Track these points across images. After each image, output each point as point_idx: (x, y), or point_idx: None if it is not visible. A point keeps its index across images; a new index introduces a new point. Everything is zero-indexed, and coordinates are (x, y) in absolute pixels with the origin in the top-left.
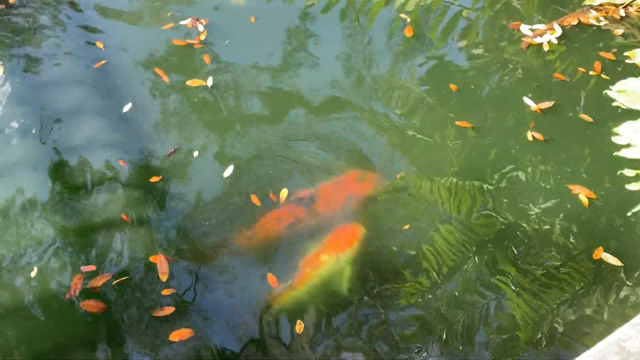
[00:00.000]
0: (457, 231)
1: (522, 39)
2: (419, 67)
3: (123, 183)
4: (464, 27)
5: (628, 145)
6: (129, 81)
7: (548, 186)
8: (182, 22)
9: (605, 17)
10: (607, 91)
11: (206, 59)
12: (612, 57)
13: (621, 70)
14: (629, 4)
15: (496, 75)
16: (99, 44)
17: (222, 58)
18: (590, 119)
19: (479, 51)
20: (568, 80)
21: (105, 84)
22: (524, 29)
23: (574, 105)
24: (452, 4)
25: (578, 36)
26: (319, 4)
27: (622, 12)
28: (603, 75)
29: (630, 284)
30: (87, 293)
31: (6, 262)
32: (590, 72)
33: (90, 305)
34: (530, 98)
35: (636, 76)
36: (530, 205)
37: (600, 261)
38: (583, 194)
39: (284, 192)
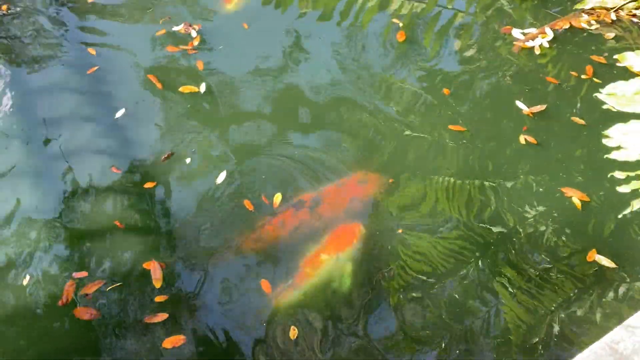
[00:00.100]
0: (457, 232)
1: (514, 43)
2: (410, 72)
3: (116, 189)
4: (456, 31)
5: (618, 148)
6: (122, 87)
7: (541, 189)
8: (175, 28)
9: (596, 21)
10: (597, 94)
11: (199, 65)
12: (604, 61)
13: (613, 73)
14: (620, 8)
15: (488, 79)
16: (91, 50)
17: (215, 64)
18: (582, 122)
19: (472, 55)
20: (560, 83)
21: (97, 90)
22: (516, 32)
23: (566, 109)
24: (445, 7)
25: (570, 40)
26: (312, 12)
27: (613, 16)
28: (595, 79)
29: (623, 285)
30: (80, 300)
31: None
32: (582, 76)
33: (83, 312)
34: (522, 102)
35: (626, 79)
36: (524, 208)
37: (594, 263)
38: (576, 197)
39: (277, 197)
